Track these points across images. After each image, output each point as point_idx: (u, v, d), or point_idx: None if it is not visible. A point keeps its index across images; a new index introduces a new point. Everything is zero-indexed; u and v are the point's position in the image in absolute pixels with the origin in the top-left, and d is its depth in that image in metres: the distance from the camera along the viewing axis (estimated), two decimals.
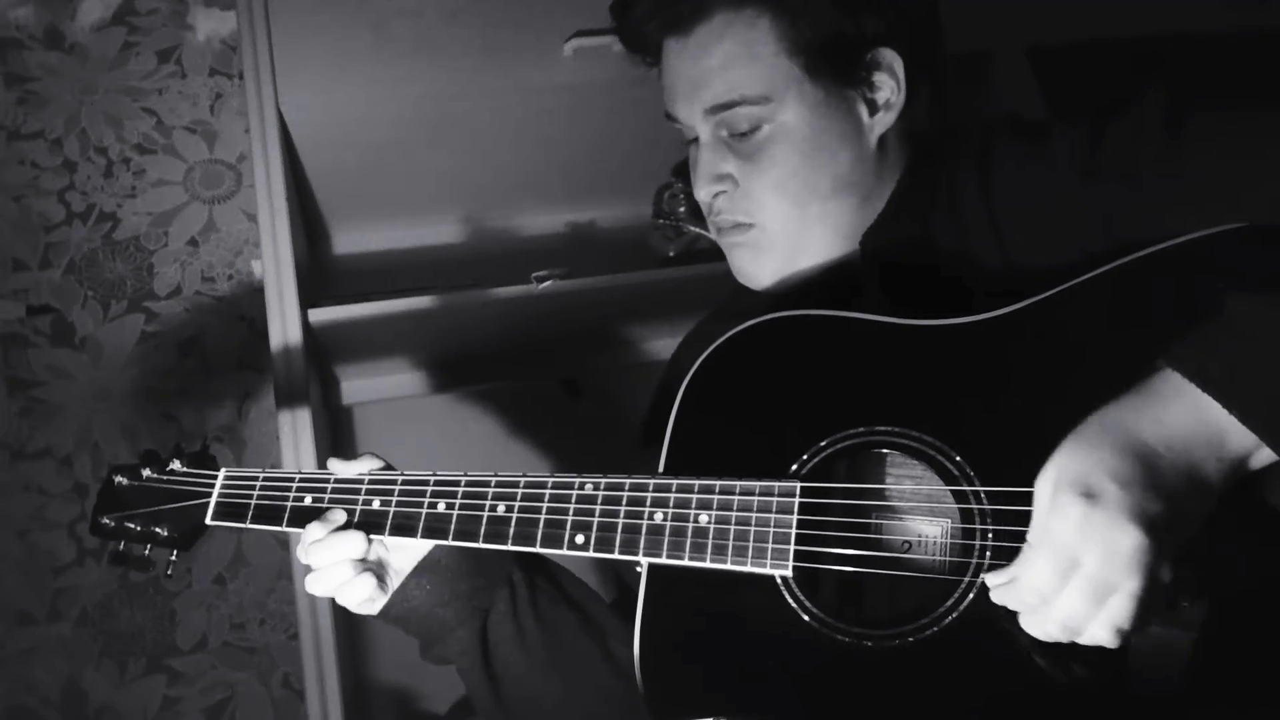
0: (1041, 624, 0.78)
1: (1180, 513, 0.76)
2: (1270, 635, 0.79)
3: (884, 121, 1.04)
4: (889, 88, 1.03)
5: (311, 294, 1.59)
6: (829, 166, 1.03)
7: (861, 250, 1.06)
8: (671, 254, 1.74)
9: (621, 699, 1.05)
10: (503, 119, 1.66)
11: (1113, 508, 0.75)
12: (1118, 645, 0.77)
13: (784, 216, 1.04)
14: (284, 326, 1.46)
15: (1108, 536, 0.74)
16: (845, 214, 1.05)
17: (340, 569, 1.00)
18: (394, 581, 1.04)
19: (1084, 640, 0.78)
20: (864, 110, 1.03)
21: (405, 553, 1.04)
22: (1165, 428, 0.77)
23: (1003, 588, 0.79)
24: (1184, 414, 0.77)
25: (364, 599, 1.02)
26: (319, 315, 1.53)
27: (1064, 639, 0.78)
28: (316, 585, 1.01)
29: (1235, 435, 0.76)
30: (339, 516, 1.00)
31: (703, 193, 1.06)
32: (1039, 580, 0.77)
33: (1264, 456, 0.77)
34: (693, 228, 1.71)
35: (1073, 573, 0.76)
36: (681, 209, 1.73)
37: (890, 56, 1.02)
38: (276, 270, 1.48)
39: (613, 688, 1.06)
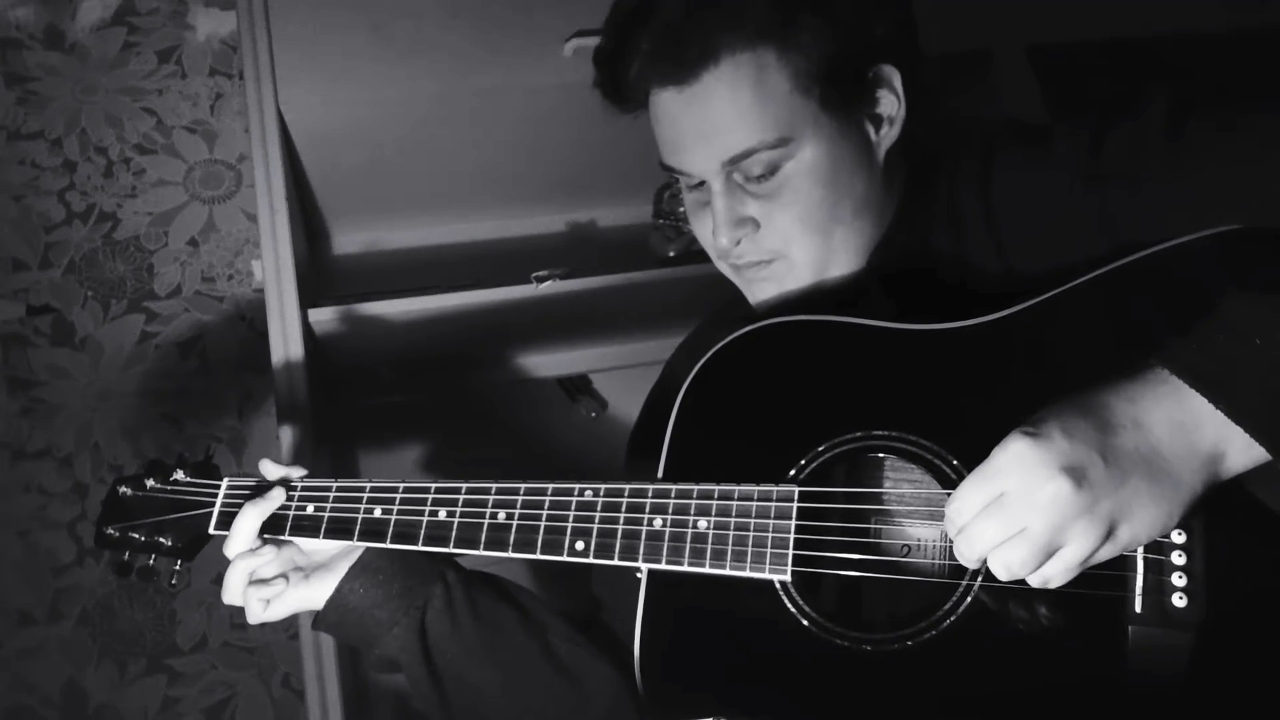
0: (960, 548, 0.79)
1: (1123, 482, 0.75)
2: (1270, 635, 0.79)
3: (889, 136, 1.03)
4: (890, 102, 1.02)
5: (311, 294, 1.59)
6: (850, 190, 1.01)
7: (866, 262, 1.05)
8: (671, 254, 1.74)
9: (562, 694, 1.07)
10: (503, 119, 1.66)
11: (1048, 450, 0.75)
12: (1004, 580, 0.78)
13: (811, 247, 1.02)
14: (284, 326, 1.46)
15: (1033, 474, 0.75)
16: (867, 233, 1.04)
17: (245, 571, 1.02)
18: (313, 581, 1.05)
19: (993, 569, 0.78)
20: (871, 129, 1.02)
21: (319, 552, 1.05)
22: (1137, 407, 0.77)
23: (946, 518, 0.80)
24: (1162, 399, 0.77)
25: (260, 602, 1.03)
26: (319, 315, 1.53)
27: (971, 562, 0.79)
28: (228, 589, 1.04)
29: (1211, 428, 0.76)
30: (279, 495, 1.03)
31: (725, 240, 1.02)
32: (963, 500, 0.78)
33: (1242, 458, 0.77)
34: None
35: (994, 502, 0.77)
36: (681, 209, 1.72)
37: (889, 71, 1.01)
38: (276, 270, 1.48)
39: (553, 682, 1.07)
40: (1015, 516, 0.76)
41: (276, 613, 1.04)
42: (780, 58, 0.97)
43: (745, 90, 0.97)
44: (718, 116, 0.98)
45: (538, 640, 1.07)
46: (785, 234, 1.02)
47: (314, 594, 1.05)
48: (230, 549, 1.02)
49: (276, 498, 1.02)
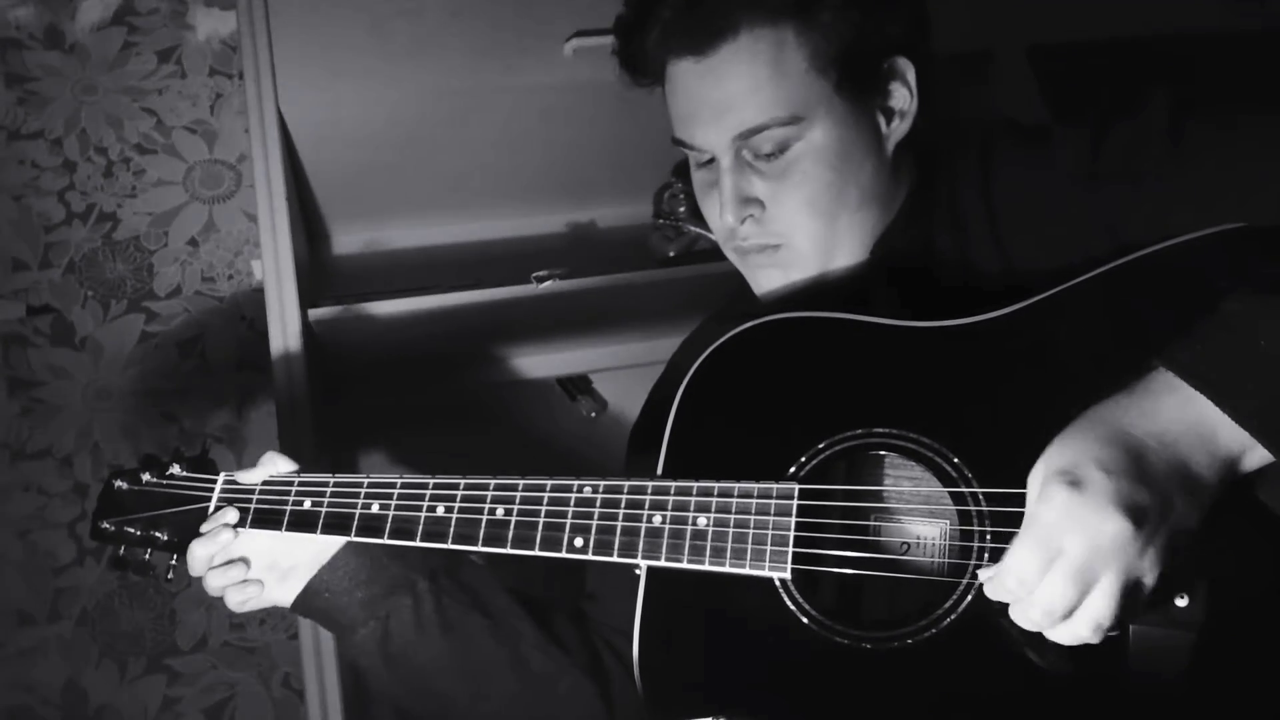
0: (1026, 612, 0.77)
1: (1169, 504, 0.75)
2: (1270, 635, 0.79)
3: (900, 130, 1.04)
4: (902, 96, 1.03)
5: (311, 294, 1.59)
6: (856, 178, 1.02)
7: (870, 256, 1.05)
8: (671, 254, 1.74)
9: (531, 704, 1.07)
10: (503, 119, 1.66)
11: (1098, 495, 0.74)
12: (1098, 640, 0.77)
13: (815, 233, 1.02)
14: (284, 326, 1.46)
15: (1091, 523, 0.74)
16: (870, 224, 1.04)
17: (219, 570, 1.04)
18: (286, 581, 1.06)
19: (1063, 634, 0.77)
20: (881, 120, 1.03)
21: (295, 549, 1.06)
22: (1155, 422, 0.77)
23: (992, 580, 0.79)
24: (1175, 410, 0.77)
25: (237, 602, 1.05)
26: (319, 315, 1.53)
27: (1047, 628, 0.78)
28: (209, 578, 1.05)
29: (1226, 432, 0.76)
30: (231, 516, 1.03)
31: (730, 218, 1.03)
32: (1022, 567, 0.76)
33: (1256, 457, 0.77)
34: (693, 228, 1.71)
35: (1056, 559, 0.75)
36: (681, 209, 1.73)
37: (903, 64, 1.02)
38: (276, 270, 1.48)
39: (521, 694, 1.07)
40: (1086, 568, 0.74)
41: (251, 608, 1.06)
42: (799, 36, 0.98)
43: (762, 65, 0.97)
44: (733, 90, 0.98)
45: (508, 650, 1.08)
46: (791, 217, 1.02)
47: (287, 594, 1.06)
48: (192, 573, 1.04)
49: (224, 538, 1.03)
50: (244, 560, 1.05)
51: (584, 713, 1.08)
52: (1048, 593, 0.75)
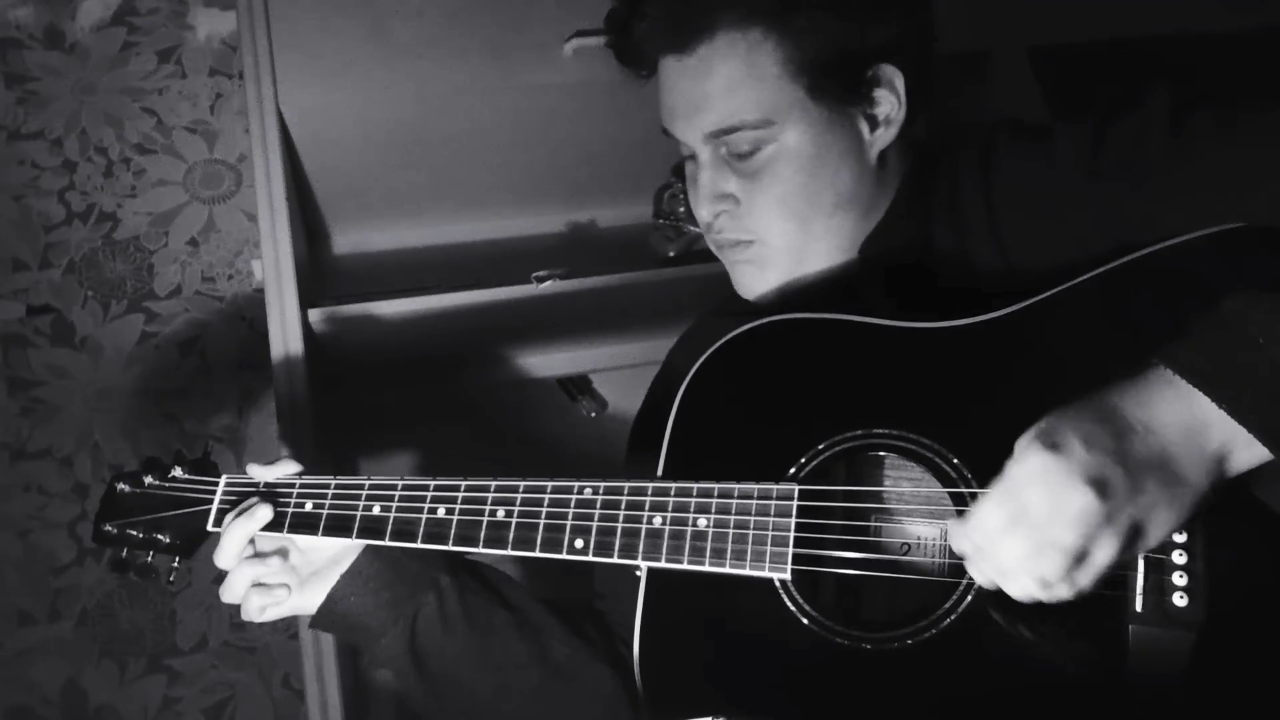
0: (980, 567, 0.79)
1: (1140, 488, 0.76)
2: (1270, 635, 0.79)
3: (885, 137, 1.04)
4: (889, 103, 1.02)
5: (311, 294, 1.59)
6: (831, 183, 1.02)
7: (860, 257, 1.06)
8: (671, 254, 1.74)
9: (557, 697, 1.07)
10: (503, 119, 1.66)
11: (1070, 462, 0.75)
12: (1038, 599, 0.78)
13: (787, 233, 1.03)
14: (284, 326, 1.46)
15: (1058, 488, 0.75)
16: (847, 227, 1.05)
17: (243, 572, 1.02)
18: (306, 588, 1.05)
19: (1012, 588, 0.78)
20: (865, 127, 1.03)
21: (314, 556, 1.05)
22: (1147, 410, 0.77)
23: (957, 533, 0.80)
24: (1169, 403, 0.77)
25: (258, 607, 1.03)
26: (319, 315, 1.53)
27: (997, 583, 0.79)
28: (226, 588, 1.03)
29: (1218, 429, 0.77)
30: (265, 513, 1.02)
31: (704, 212, 1.05)
32: (986, 520, 0.77)
33: (1246, 457, 0.77)
34: (693, 228, 1.71)
35: (1020, 518, 0.76)
36: (681, 209, 1.72)
37: (891, 72, 1.01)
38: (276, 270, 1.48)
39: (547, 686, 1.07)
40: (1044, 531, 0.75)
41: (271, 616, 1.05)
42: (769, 39, 0.99)
43: (735, 68, 0.99)
44: (707, 90, 1.00)
45: (533, 644, 1.07)
46: (763, 216, 1.03)
47: (308, 601, 1.05)
48: (220, 563, 1.03)
49: (263, 516, 1.02)
50: (280, 553, 1.03)
51: (608, 704, 1.07)
52: (1006, 549, 0.77)
